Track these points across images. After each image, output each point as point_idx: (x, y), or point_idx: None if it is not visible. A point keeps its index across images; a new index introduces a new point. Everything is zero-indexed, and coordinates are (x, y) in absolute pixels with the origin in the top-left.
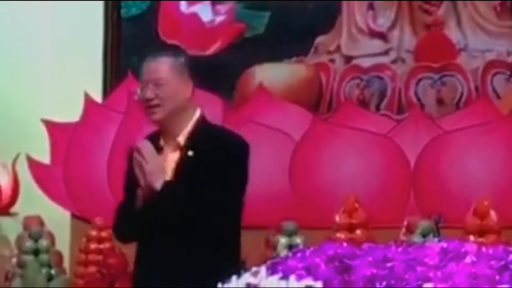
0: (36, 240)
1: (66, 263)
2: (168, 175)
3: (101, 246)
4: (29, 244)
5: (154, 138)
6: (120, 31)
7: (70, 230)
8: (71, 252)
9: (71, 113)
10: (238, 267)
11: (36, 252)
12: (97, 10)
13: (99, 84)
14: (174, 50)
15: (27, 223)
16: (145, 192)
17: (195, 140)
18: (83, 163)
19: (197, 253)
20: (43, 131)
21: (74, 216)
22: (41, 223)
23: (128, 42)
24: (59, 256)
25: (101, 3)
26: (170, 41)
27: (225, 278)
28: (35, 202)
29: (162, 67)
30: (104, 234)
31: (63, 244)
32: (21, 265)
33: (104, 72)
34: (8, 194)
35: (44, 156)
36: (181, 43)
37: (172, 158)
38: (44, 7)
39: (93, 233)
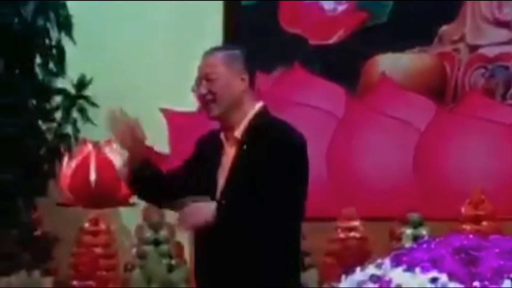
0: (156, 231)
1: (187, 254)
2: (224, 166)
3: None
4: (149, 234)
5: (216, 133)
6: (240, 19)
7: None
8: (192, 243)
9: (191, 102)
10: (299, 262)
11: (156, 243)
12: None
13: None
14: (229, 44)
15: (147, 213)
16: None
17: (251, 134)
18: None
19: (262, 253)
20: (162, 120)
21: None
22: (161, 214)
23: (249, 30)
24: (180, 247)
25: None
26: (291, 30)
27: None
28: None
29: (213, 61)
30: None
31: (184, 235)
32: (141, 255)
33: None
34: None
35: (163, 146)
36: (302, 32)
37: (230, 153)
38: None
39: None
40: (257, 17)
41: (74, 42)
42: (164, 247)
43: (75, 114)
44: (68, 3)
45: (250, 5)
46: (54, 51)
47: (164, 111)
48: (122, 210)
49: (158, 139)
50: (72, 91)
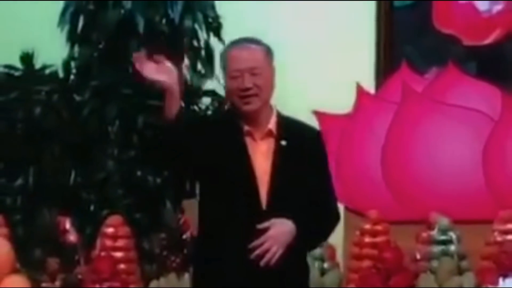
0: None
1: (340, 257)
2: (259, 162)
3: (376, 239)
4: None
5: (228, 123)
6: (393, 20)
7: (344, 223)
8: (345, 246)
9: (343, 104)
10: None
11: None
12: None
13: (372, 74)
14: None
15: None
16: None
17: (284, 129)
18: (355, 155)
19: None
20: (315, 122)
21: (347, 209)
22: None
23: (401, 31)
24: (332, 250)
25: None
26: (445, 31)
27: None
28: None
29: (258, 55)
30: (378, 227)
31: (337, 238)
32: None
33: (377, 62)
34: None
35: None
36: (456, 33)
37: (263, 144)
38: None
39: (367, 226)
40: (411, 18)
41: (223, 43)
42: (317, 251)
43: None
44: (217, 4)
45: (404, 5)
46: (202, 52)
47: (317, 113)
48: None
49: None
50: (222, 92)
